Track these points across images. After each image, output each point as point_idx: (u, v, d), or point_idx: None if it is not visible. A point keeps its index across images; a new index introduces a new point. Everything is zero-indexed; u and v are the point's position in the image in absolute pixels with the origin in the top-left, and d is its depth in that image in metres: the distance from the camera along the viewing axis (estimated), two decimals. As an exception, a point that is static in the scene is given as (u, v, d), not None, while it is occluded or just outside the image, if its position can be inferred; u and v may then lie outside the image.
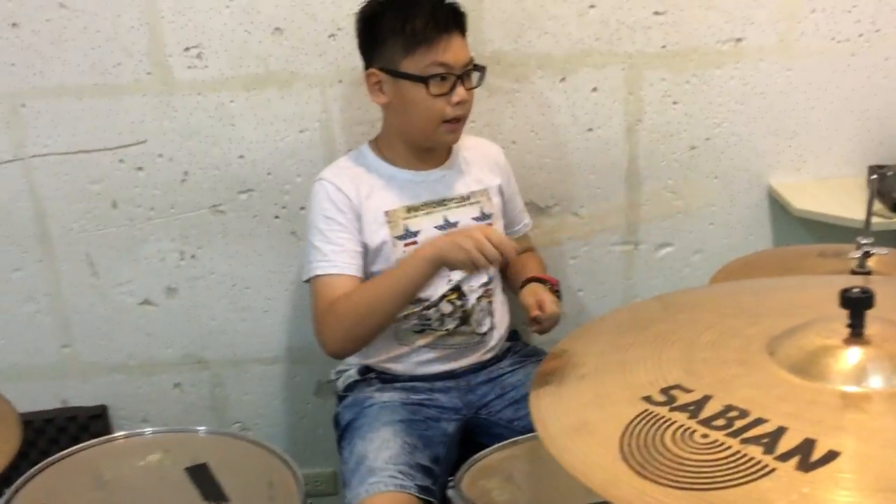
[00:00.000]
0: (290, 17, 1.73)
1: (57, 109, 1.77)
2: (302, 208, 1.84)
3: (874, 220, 1.67)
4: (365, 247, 1.59)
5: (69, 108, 1.77)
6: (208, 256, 1.89)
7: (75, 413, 1.98)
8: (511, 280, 1.77)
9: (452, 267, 1.49)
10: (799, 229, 1.91)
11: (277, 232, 1.87)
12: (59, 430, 1.97)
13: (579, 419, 0.87)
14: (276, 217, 1.87)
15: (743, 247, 1.91)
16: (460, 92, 1.53)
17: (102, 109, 1.77)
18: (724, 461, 0.76)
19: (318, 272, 1.57)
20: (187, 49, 1.74)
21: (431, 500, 1.45)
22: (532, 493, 1.38)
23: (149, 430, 1.58)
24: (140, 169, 1.82)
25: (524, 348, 1.79)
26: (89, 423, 1.98)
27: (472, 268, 1.47)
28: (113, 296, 1.91)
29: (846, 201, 1.76)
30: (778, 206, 1.88)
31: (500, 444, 1.46)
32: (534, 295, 1.62)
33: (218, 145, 1.81)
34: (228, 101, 1.78)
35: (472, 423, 1.67)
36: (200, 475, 1.44)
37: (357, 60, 1.63)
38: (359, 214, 1.59)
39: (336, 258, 1.56)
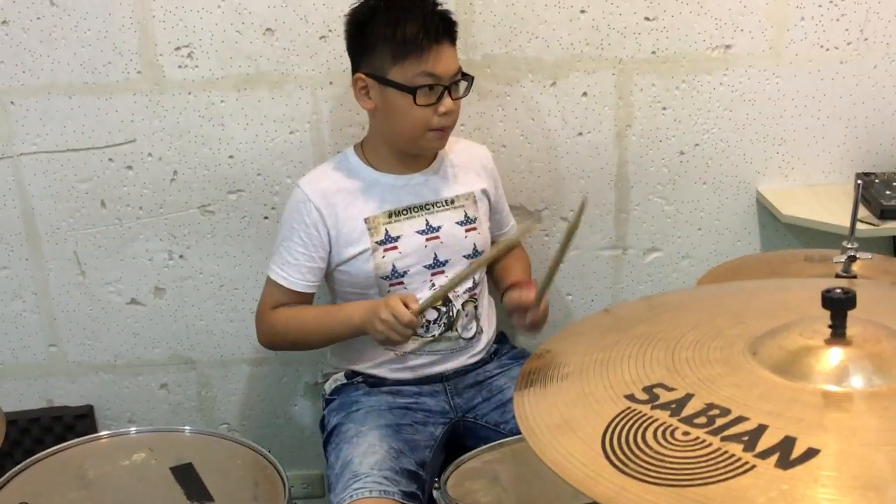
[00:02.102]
0: (282, 18, 1.73)
1: (46, 108, 1.77)
2: (291, 209, 1.83)
3: (861, 226, 1.69)
4: (331, 261, 1.60)
5: (58, 106, 1.77)
6: (197, 256, 1.89)
7: (61, 413, 1.97)
8: (496, 283, 1.78)
9: (375, 338, 1.53)
10: (787, 235, 1.92)
11: (266, 233, 1.87)
12: (44, 430, 1.96)
13: (562, 417, 0.87)
14: (266, 218, 1.87)
15: (731, 252, 1.92)
16: (447, 103, 1.52)
17: (92, 108, 1.77)
18: (705, 458, 0.76)
19: (272, 275, 1.63)
20: (178, 48, 1.74)
21: None
22: (517, 494, 1.38)
23: (133, 429, 1.58)
24: (129, 168, 1.82)
25: (511, 350, 1.78)
26: (75, 423, 1.97)
27: (390, 344, 1.53)
28: (100, 295, 1.91)
29: (834, 208, 1.77)
30: (766, 213, 1.89)
31: (485, 446, 1.47)
32: (517, 301, 1.61)
33: (207, 145, 1.81)
34: (219, 100, 1.78)
35: (458, 427, 1.67)
36: (185, 475, 1.44)
37: (348, 62, 1.63)
38: (328, 230, 1.58)
39: (289, 271, 1.60)
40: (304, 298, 1.63)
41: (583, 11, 1.76)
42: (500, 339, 1.80)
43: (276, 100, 1.79)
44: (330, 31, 1.74)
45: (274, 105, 1.79)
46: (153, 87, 1.77)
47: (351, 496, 1.41)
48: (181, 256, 1.89)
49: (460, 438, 1.66)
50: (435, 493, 1.34)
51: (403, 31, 1.46)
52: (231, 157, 1.82)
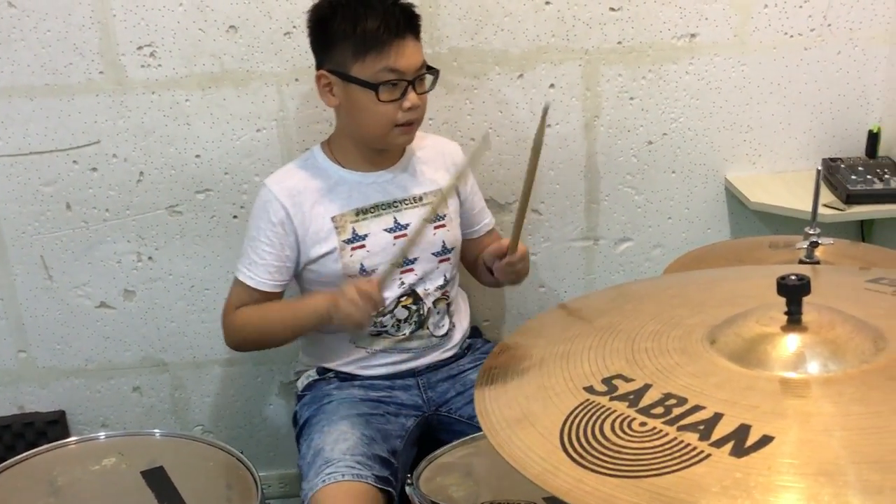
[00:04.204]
0: (245, 15, 1.72)
1: (7, 110, 1.75)
2: (260, 208, 1.82)
3: (828, 211, 1.70)
4: (299, 260, 1.59)
5: (20, 108, 1.75)
6: (166, 258, 1.88)
7: (32, 419, 1.95)
8: (477, 267, 1.75)
9: (339, 322, 1.52)
10: (756, 222, 1.93)
11: (235, 232, 1.85)
12: (15, 437, 1.94)
13: (521, 411, 0.87)
14: (234, 217, 1.85)
15: (702, 240, 1.92)
16: (412, 97, 1.50)
17: (54, 110, 1.75)
18: (661, 448, 0.76)
19: (238, 275, 1.61)
20: (140, 48, 1.72)
21: (389, 489, 1.45)
22: (490, 489, 1.38)
23: (103, 434, 1.57)
24: (94, 170, 1.80)
25: (486, 344, 1.78)
26: (47, 429, 1.95)
27: (356, 323, 1.51)
28: (69, 299, 1.89)
29: (801, 194, 1.78)
30: (735, 200, 1.90)
31: (458, 441, 1.46)
32: (494, 251, 1.59)
33: (173, 145, 1.79)
34: (183, 99, 1.76)
35: (432, 421, 1.67)
36: (156, 478, 1.43)
37: (314, 58, 1.61)
38: (295, 228, 1.57)
39: (255, 271, 1.59)
40: (272, 298, 1.61)
41: (548, 3, 1.76)
42: (474, 333, 1.79)
43: (241, 98, 1.77)
44: (294, 27, 1.73)
45: (240, 103, 1.78)
46: (116, 87, 1.75)
47: (324, 481, 1.41)
48: (150, 258, 1.87)
49: (434, 433, 1.66)
50: (408, 488, 1.34)
51: (363, 26, 1.45)
52: (198, 156, 1.81)
